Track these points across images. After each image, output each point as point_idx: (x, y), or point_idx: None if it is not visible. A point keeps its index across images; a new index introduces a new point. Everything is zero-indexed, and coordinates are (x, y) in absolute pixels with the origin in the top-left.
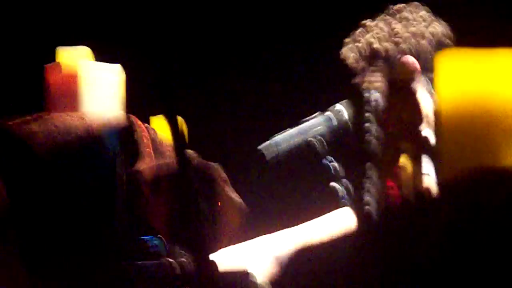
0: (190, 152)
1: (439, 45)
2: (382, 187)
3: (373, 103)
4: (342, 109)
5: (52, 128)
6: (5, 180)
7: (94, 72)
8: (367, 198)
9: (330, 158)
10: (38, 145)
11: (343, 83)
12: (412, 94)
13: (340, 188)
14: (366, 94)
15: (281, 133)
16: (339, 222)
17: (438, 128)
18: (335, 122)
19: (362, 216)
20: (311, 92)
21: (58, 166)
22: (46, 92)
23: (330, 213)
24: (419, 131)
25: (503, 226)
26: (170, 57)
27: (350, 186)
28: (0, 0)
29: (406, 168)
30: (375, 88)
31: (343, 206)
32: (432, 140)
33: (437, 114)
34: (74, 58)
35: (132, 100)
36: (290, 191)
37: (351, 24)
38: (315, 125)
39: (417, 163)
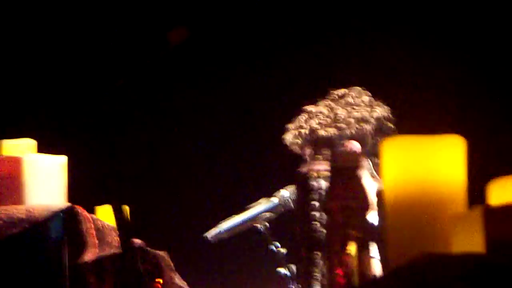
0: (137, 240)
1: (382, 129)
2: (330, 274)
3: (319, 192)
4: (287, 195)
5: None
6: None
7: (38, 164)
8: (315, 286)
9: (276, 243)
10: None
11: (287, 169)
12: (357, 181)
13: (287, 273)
14: (313, 183)
15: (227, 220)
16: None
17: (384, 214)
18: (281, 208)
19: None
20: (256, 178)
21: (4, 260)
22: None
23: None
24: (366, 218)
25: None
26: (116, 147)
27: (296, 271)
28: None
29: (354, 255)
30: (321, 176)
31: None
32: (379, 226)
33: (382, 200)
34: (18, 151)
35: (78, 191)
36: (237, 276)
37: (293, 108)
38: (261, 211)
39: (364, 249)
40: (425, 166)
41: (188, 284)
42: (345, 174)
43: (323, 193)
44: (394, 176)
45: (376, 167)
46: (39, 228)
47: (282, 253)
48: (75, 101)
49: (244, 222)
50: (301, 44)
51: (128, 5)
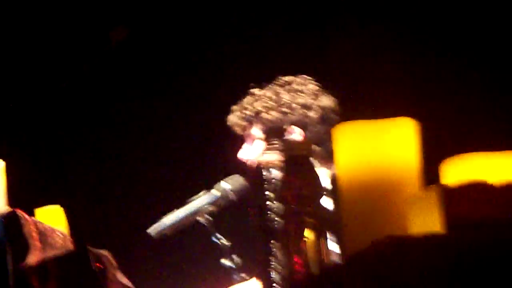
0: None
1: (326, 119)
2: (288, 263)
3: (273, 181)
4: (227, 187)
5: None
6: None
7: None
8: (273, 275)
9: (219, 235)
10: None
11: (227, 160)
12: (309, 169)
13: (231, 265)
14: (265, 173)
15: (168, 215)
16: None
17: (338, 200)
18: (221, 200)
19: None
20: (196, 170)
21: None
22: None
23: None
24: (320, 205)
25: None
26: (54, 148)
27: (239, 261)
28: None
29: (311, 243)
30: (273, 166)
31: (235, 282)
32: (334, 212)
33: (336, 186)
34: None
35: (16, 194)
36: (181, 270)
37: (239, 94)
38: (201, 204)
39: (321, 236)
40: (378, 149)
41: (132, 281)
42: (297, 162)
43: (277, 182)
44: (347, 161)
45: (320, 155)
46: None
47: (226, 245)
48: (11, 103)
49: (185, 216)
50: (249, 31)
51: (67, 5)
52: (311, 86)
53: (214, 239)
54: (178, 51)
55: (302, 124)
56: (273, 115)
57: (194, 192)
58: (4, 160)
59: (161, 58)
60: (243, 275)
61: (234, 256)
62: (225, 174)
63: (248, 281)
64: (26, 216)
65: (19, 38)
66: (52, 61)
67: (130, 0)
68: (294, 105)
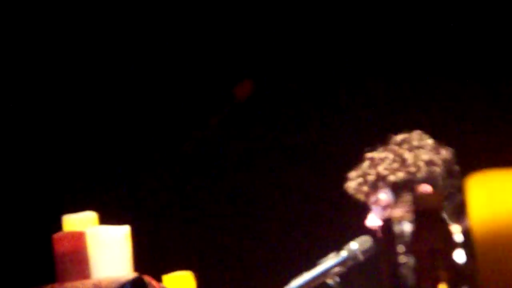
0: None
1: (450, 172)
2: None
3: (405, 235)
4: (355, 247)
5: None
6: None
7: (101, 237)
8: None
9: None
10: None
11: (354, 221)
12: (441, 222)
13: None
14: (397, 227)
15: (298, 278)
16: None
17: (472, 253)
18: (350, 261)
19: None
20: (325, 233)
21: None
22: (56, 262)
23: None
24: (454, 259)
25: None
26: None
27: None
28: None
29: None
30: (404, 220)
31: None
32: (468, 266)
33: (470, 239)
34: (81, 225)
35: (143, 260)
36: None
37: (352, 158)
38: (330, 265)
39: None
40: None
41: None
42: (428, 216)
43: (408, 237)
44: (481, 212)
45: (448, 209)
46: None
47: None
48: (133, 170)
49: (314, 278)
50: (354, 93)
51: (188, 63)
52: (428, 140)
53: None
54: (289, 114)
55: (430, 181)
56: (400, 176)
57: (324, 254)
58: (130, 225)
59: (277, 119)
60: None
61: None
62: (354, 235)
63: None
64: (154, 282)
65: (146, 98)
66: (175, 124)
67: (255, 54)
68: (419, 162)
